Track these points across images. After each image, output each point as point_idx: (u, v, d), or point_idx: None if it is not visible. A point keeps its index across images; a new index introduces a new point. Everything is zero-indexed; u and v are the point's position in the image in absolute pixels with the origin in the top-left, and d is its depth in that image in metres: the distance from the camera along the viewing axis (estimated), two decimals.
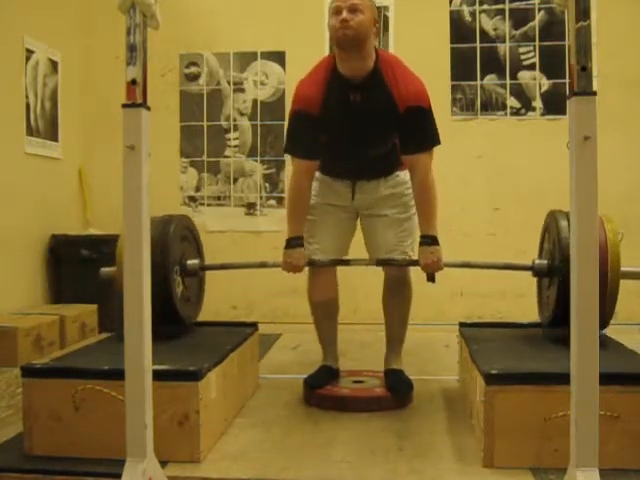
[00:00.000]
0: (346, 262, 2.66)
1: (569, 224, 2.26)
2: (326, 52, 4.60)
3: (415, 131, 2.43)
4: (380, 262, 2.63)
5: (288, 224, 2.59)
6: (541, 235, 2.72)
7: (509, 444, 1.97)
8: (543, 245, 2.69)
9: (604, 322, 2.37)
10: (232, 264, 3.01)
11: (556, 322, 2.44)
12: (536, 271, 2.55)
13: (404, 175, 2.60)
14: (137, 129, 1.63)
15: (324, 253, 2.65)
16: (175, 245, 2.59)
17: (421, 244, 2.49)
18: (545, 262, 2.53)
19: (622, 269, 2.32)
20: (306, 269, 2.72)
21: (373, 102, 2.42)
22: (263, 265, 2.71)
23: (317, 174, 2.66)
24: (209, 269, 2.88)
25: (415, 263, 2.53)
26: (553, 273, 2.47)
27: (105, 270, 2.60)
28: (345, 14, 2.34)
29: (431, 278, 2.50)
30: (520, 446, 1.96)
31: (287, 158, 4.50)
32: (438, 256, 2.46)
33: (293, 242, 2.55)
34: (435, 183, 2.48)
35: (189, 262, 2.68)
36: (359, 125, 2.45)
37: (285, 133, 2.62)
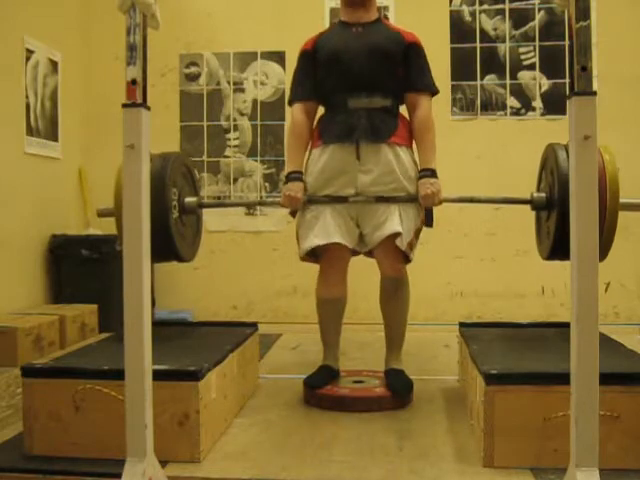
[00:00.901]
0: (344, 199, 2.53)
1: (568, 156, 2.22)
2: None
3: (419, 68, 2.63)
4: (380, 199, 2.52)
5: (287, 159, 2.71)
6: (539, 168, 2.67)
7: (509, 444, 1.97)
8: (541, 178, 2.65)
9: (603, 255, 2.29)
10: (229, 202, 3.12)
11: (556, 252, 2.43)
12: (535, 204, 2.55)
13: (404, 154, 2.57)
14: (137, 129, 1.64)
15: (338, 231, 2.55)
16: (173, 182, 2.54)
17: (421, 177, 2.54)
18: (544, 195, 2.52)
19: (621, 201, 2.28)
20: (315, 268, 2.72)
21: (376, 33, 2.60)
22: (262, 203, 2.81)
23: (317, 152, 2.61)
24: (207, 207, 2.92)
25: (414, 199, 2.55)
26: (552, 205, 2.45)
27: (103, 207, 2.55)
28: None
29: (429, 220, 2.55)
30: (520, 446, 1.96)
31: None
32: (437, 188, 2.50)
33: (292, 175, 2.58)
34: (434, 123, 2.60)
35: (187, 199, 2.63)
36: (360, 57, 2.55)
37: (291, 82, 2.73)
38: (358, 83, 2.55)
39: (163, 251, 2.41)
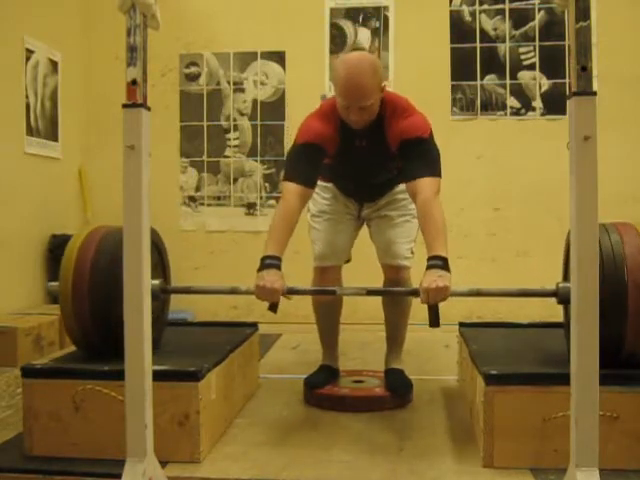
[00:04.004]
0: (332, 292, 2.45)
1: (601, 239, 1.87)
2: (326, 52, 4.62)
3: (411, 160, 2.30)
4: (371, 292, 2.34)
5: (267, 241, 2.20)
6: (564, 252, 2.28)
7: (509, 444, 1.97)
8: (568, 264, 2.13)
9: None
10: (198, 288, 2.69)
11: None
12: (561, 297, 2.09)
13: (403, 185, 2.57)
14: (137, 129, 1.64)
15: (338, 256, 2.68)
16: None
17: (428, 267, 2.06)
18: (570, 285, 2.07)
19: None
20: (310, 267, 2.71)
21: (376, 146, 2.40)
22: (234, 291, 2.34)
23: (329, 184, 2.67)
24: (172, 292, 2.51)
25: (415, 292, 2.11)
26: None
27: (52, 285, 2.30)
28: (354, 116, 2.27)
29: (435, 320, 2.04)
30: (520, 446, 1.96)
31: None
32: (446, 283, 1.99)
33: (268, 261, 2.13)
34: (442, 209, 2.18)
35: None
36: (364, 165, 2.48)
37: (287, 163, 2.47)
38: (366, 175, 2.56)
39: (106, 344, 2.02)
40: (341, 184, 2.68)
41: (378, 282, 2.73)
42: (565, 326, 2.29)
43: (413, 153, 2.29)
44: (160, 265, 2.48)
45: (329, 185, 2.68)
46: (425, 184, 2.22)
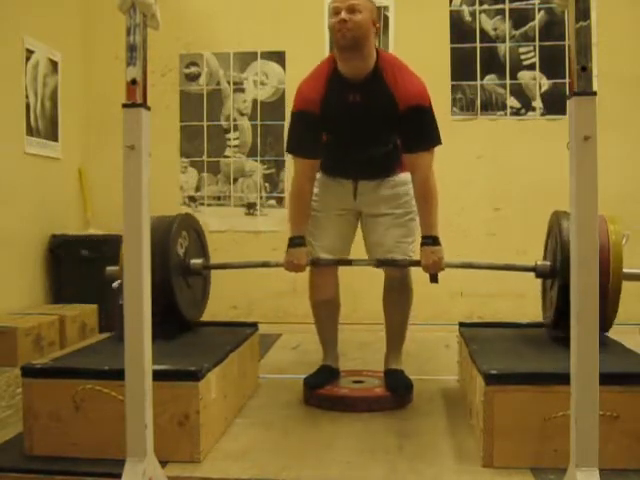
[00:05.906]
0: (348, 262, 2.67)
1: (563, 225, 2.28)
2: (326, 52, 4.60)
3: (416, 129, 2.43)
4: (381, 263, 2.62)
5: (290, 224, 2.61)
6: (546, 236, 2.68)
7: (509, 444, 1.97)
8: (547, 246, 2.66)
9: (608, 325, 2.37)
10: (234, 263, 3.03)
11: (558, 323, 2.42)
12: (539, 272, 2.53)
13: (405, 176, 2.59)
14: (137, 129, 1.63)
15: (327, 253, 2.65)
16: (177, 245, 2.59)
17: (422, 244, 2.49)
18: (548, 263, 2.51)
19: (624, 271, 2.30)
20: (307, 268, 2.72)
21: (373, 102, 2.43)
22: (265, 264, 2.73)
23: (318, 175, 2.64)
24: (212, 268, 2.90)
25: (416, 263, 2.53)
26: (555, 274, 2.44)
27: (110, 269, 2.59)
28: (344, 14, 2.35)
29: (434, 279, 2.50)
30: (520, 446, 1.96)
31: (287, 158, 4.51)
32: (439, 256, 2.46)
33: (296, 241, 2.56)
34: (436, 183, 2.48)
35: (192, 261, 2.69)
36: (359, 124, 2.47)
37: (287, 133, 2.62)
38: (360, 142, 2.55)
39: (164, 313, 2.29)
40: (335, 157, 2.61)
41: (370, 274, 2.74)
42: (542, 297, 2.73)
43: (416, 123, 2.42)
44: (200, 246, 2.86)
45: (317, 176, 2.64)
46: (425, 160, 2.45)
